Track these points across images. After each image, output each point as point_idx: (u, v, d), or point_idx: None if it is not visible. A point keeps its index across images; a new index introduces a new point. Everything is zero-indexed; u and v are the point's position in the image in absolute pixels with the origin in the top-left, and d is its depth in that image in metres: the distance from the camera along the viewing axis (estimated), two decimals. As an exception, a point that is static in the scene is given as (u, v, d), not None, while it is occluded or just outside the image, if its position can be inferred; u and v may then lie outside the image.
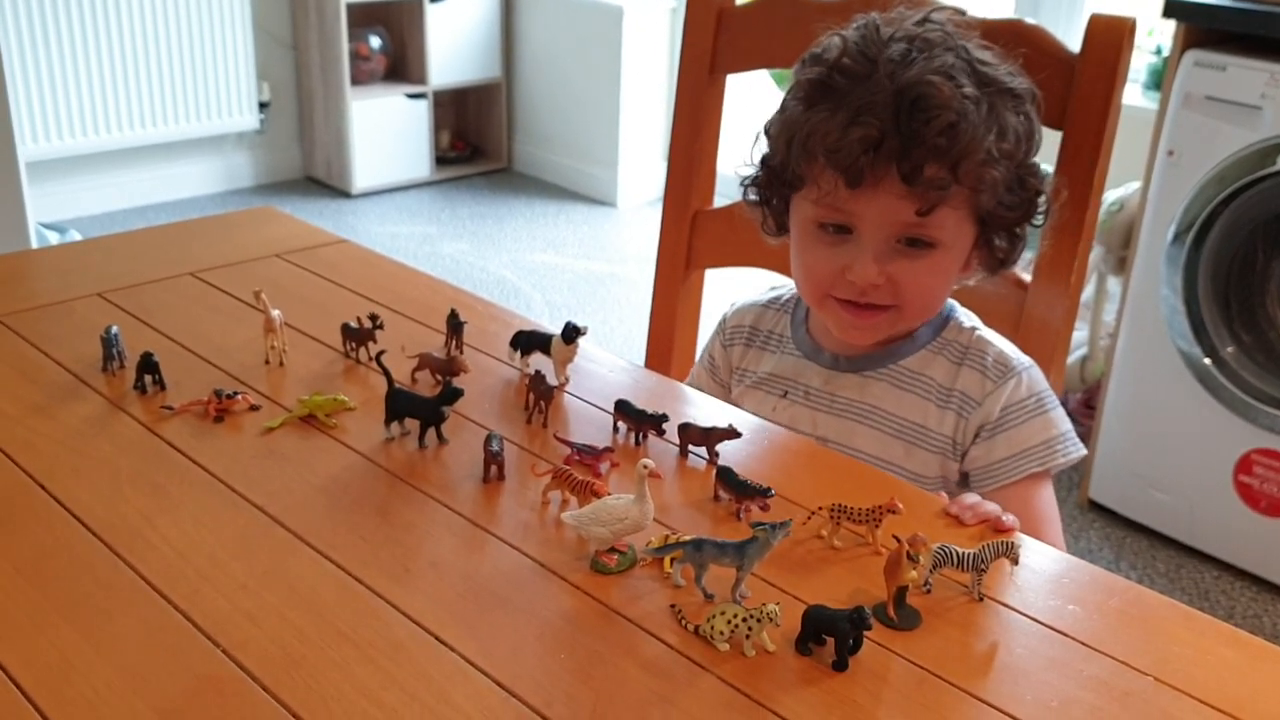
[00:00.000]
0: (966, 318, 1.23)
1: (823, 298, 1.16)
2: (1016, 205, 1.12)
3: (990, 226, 1.13)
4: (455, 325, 1.25)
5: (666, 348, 1.61)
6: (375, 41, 4.55)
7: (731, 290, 1.46)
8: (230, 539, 0.93)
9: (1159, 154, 2.35)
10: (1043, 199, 1.13)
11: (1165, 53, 2.63)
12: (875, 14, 1.12)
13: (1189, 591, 2.40)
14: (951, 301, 1.24)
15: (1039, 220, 1.15)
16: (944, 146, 1.04)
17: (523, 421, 1.12)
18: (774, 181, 1.18)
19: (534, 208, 4.53)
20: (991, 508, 1.01)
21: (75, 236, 3.59)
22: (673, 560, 0.89)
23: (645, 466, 0.88)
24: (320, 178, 4.67)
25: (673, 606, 0.85)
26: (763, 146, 1.19)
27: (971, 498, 1.02)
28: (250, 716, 0.74)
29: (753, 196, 1.22)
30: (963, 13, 1.16)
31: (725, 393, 1.32)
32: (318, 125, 4.58)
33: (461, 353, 1.25)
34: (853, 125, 1.05)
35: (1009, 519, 0.99)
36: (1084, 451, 1.18)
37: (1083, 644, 0.82)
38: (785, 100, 1.16)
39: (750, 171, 1.21)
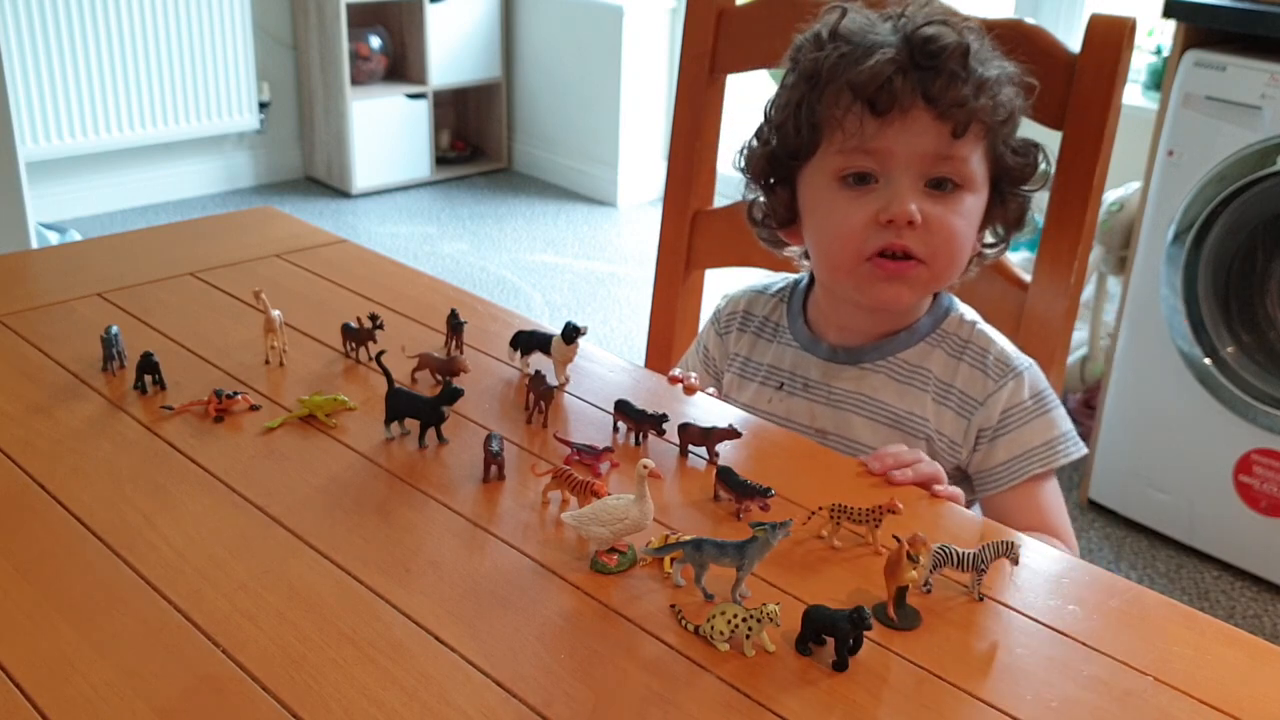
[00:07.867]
0: (967, 311, 1.22)
1: (856, 261, 1.12)
2: (1023, 150, 1.15)
3: (1001, 183, 1.15)
4: (455, 325, 1.25)
5: (666, 348, 1.61)
6: (375, 41, 4.55)
7: (731, 289, 1.45)
8: (230, 539, 0.93)
9: (1159, 154, 2.35)
10: (1040, 154, 1.16)
11: (1165, 53, 2.63)
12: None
13: (1189, 591, 2.40)
14: (952, 295, 1.23)
15: (1039, 178, 1.17)
16: (962, 74, 1.08)
17: (523, 421, 1.12)
18: (778, 162, 1.18)
19: (534, 208, 4.53)
20: (930, 468, 1.03)
21: (75, 236, 3.59)
22: (673, 560, 0.89)
23: (645, 466, 0.88)
24: (320, 178, 4.68)
25: (673, 606, 0.85)
26: (749, 149, 1.21)
27: (895, 448, 1.05)
28: (250, 716, 0.74)
29: (752, 195, 1.23)
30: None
31: (717, 383, 1.31)
32: (318, 125, 4.58)
33: (461, 353, 1.25)
34: (873, 56, 1.08)
35: (946, 489, 1.01)
36: (1085, 450, 1.18)
37: (1083, 644, 0.82)
38: (785, 77, 1.17)
39: (744, 164, 1.22)
